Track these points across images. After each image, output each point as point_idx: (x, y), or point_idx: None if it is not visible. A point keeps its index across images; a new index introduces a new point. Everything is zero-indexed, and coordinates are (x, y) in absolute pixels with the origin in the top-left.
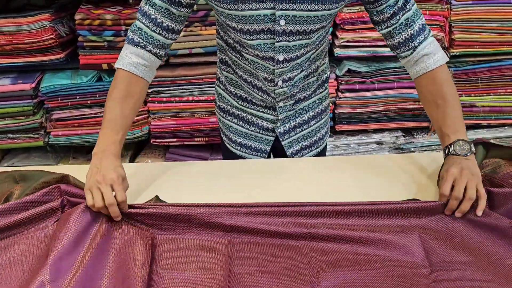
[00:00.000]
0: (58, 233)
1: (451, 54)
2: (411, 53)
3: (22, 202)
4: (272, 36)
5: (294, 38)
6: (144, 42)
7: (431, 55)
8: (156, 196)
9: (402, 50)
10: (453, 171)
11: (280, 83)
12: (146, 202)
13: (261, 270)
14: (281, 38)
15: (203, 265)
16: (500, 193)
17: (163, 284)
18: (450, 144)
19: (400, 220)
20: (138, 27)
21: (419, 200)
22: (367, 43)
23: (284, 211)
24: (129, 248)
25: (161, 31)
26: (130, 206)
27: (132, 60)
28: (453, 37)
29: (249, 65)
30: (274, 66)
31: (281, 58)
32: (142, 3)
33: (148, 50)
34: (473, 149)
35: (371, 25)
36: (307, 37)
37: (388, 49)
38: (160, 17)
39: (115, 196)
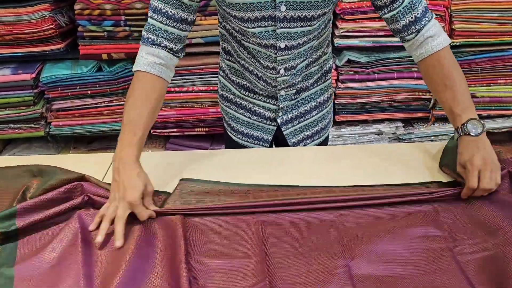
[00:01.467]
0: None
1: (451, 44)
2: (415, 35)
3: (43, 199)
4: (273, 23)
5: (295, 24)
6: (159, 39)
7: (435, 37)
8: (181, 180)
9: (406, 33)
10: (477, 163)
11: (282, 71)
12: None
13: (294, 251)
14: (282, 25)
15: (238, 253)
16: None
17: (207, 271)
18: (463, 124)
19: (420, 202)
20: (151, 25)
21: (437, 184)
22: (367, 33)
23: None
24: (168, 241)
25: (174, 24)
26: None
27: (148, 60)
28: (453, 27)
29: (251, 53)
30: (275, 54)
31: (282, 45)
32: (152, 0)
33: (164, 47)
34: (485, 126)
35: (371, 15)
36: (309, 23)
37: (388, 39)
38: (172, 9)
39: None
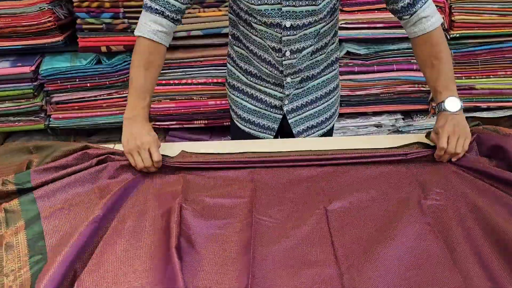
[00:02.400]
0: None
1: (451, 36)
2: (411, 16)
3: (53, 165)
4: (279, 1)
5: (300, 3)
6: (162, 8)
7: (429, 17)
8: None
9: (403, 14)
10: (447, 128)
11: (288, 53)
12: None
13: (280, 196)
14: (288, 3)
15: (230, 193)
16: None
17: (196, 207)
18: (442, 101)
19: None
20: None
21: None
22: (366, 25)
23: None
24: (166, 187)
25: None
26: (163, 163)
27: (151, 28)
28: (453, 18)
29: (258, 35)
30: (281, 33)
31: (288, 24)
32: None
33: (166, 16)
34: (462, 105)
35: (370, 7)
36: (313, 2)
37: (388, 31)
38: None
39: (151, 157)
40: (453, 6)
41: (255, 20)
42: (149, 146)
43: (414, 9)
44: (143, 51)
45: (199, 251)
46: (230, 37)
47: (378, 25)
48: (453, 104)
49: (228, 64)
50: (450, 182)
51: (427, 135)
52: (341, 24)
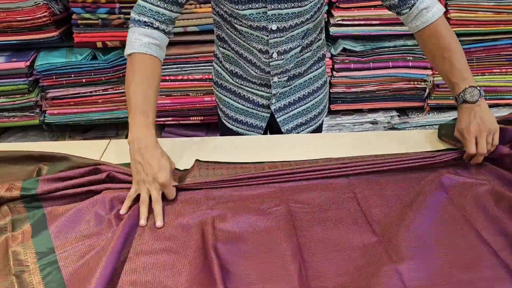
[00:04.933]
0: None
1: None
2: (410, 10)
3: (62, 175)
4: (263, 5)
5: (286, 5)
6: (151, 19)
7: (429, 8)
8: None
9: (401, 8)
10: (472, 129)
11: (275, 55)
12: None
13: (315, 213)
14: (272, 6)
15: (263, 210)
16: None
17: (225, 208)
18: (461, 92)
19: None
20: (142, 6)
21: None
22: (362, 22)
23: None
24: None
25: (165, 5)
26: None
27: (143, 42)
28: (449, 15)
29: (244, 37)
30: (267, 36)
31: (274, 27)
32: None
33: (156, 28)
34: (482, 93)
35: (367, 3)
36: (299, 4)
37: (384, 28)
38: None
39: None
40: (449, 3)
41: (240, 23)
42: (163, 187)
43: (412, 2)
44: (137, 66)
45: (241, 246)
46: (215, 38)
47: (374, 22)
48: (472, 93)
49: (214, 64)
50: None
51: (440, 134)
52: (337, 21)
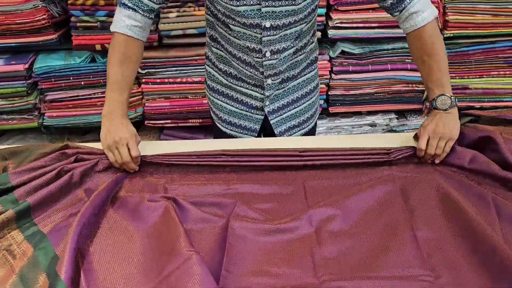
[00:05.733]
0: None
1: (444, 36)
2: (400, 12)
3: (32, 165)
4: (258, 2)
5: (280, 3)
6: (134, 7)
7: (419, 12)
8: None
9: (394, 11)
10: (428, 128)
11: (268, 54)
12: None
13: (260, 193)
14: (267, 3)
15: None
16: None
17: (188, 206)
18: (433, 99)
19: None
20: None
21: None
22: (361, 25)
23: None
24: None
25: None
26: (143, 160)
27: (126, 23)
28: (447, 18)
29: (237, 36)
30: (261, 34)
31: (267, 24)
32: None
33: (139, 13)
34: (454, 103)
35: (365, 6)
36: (293, 2)
37: (382, 30)
38: None
39: (130, 153)
40: (447, 6)
41: (233, 22)
42: (127, 141)
43: (403, 5)
44: (118, 46)
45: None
46: (208, 38)
47: (373, 25)
48: (444, 102)
49: (206, 66)
50: (432, 184)
51: (415, 136)
52: (335, 23)
